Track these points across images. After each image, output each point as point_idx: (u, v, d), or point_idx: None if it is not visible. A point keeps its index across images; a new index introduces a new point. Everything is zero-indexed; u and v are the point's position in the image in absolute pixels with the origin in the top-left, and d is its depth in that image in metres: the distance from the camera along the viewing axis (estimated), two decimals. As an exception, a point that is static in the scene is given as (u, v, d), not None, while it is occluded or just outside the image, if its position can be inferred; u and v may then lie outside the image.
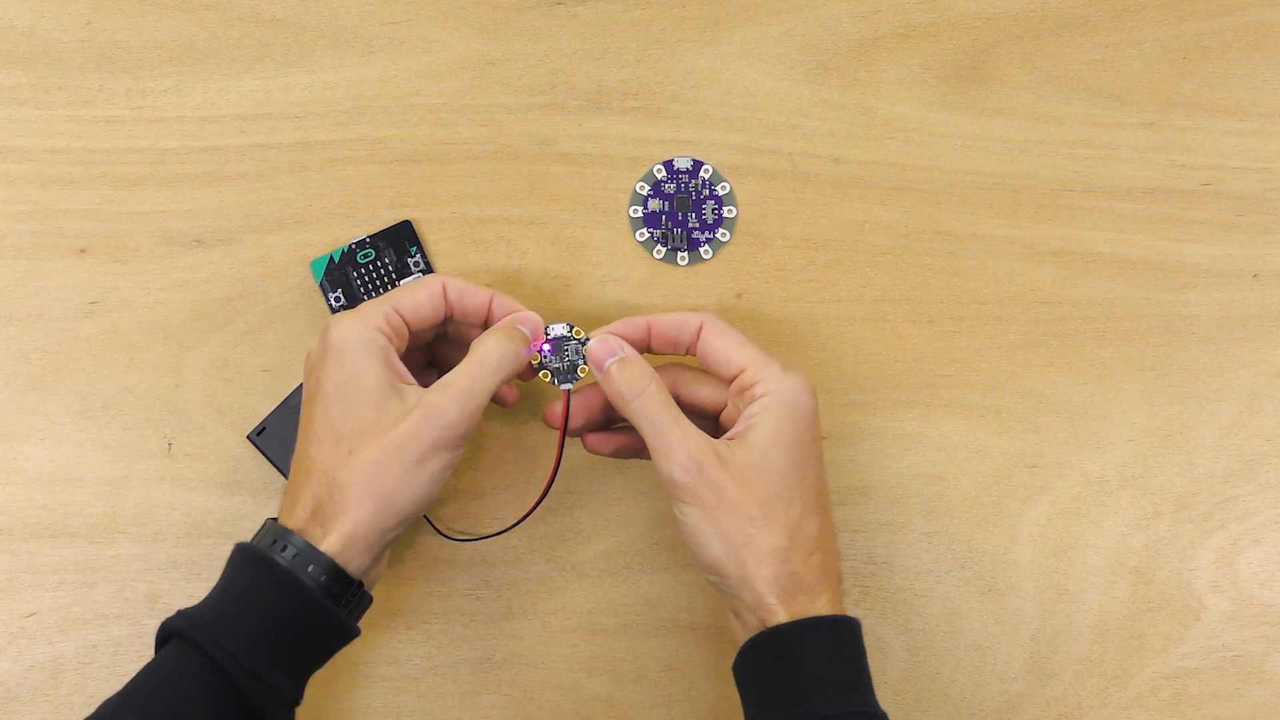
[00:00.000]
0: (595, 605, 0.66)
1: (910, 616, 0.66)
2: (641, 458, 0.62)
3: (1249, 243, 0.69)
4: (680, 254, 0.69)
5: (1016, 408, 0.68)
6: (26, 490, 0.66)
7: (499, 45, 0.70)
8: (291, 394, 0.66)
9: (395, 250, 0.68)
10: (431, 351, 0.64)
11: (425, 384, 0.58)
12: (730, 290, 0.68)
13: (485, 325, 0.61)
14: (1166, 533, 0.67)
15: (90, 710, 0.54)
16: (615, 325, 0.61)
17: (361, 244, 0.68)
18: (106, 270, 0.67)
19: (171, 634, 0.55)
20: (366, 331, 0.57)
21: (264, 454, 0.65)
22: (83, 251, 0.68)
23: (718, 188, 0.69)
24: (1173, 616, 0.66)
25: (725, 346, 0.59)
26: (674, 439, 0.56)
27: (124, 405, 0.66)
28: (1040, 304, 0.69)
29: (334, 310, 0.67)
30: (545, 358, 0.61)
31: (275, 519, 0.57)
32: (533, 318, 0.60)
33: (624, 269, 0.69)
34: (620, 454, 0.63)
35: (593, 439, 0.63)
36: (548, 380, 0.61)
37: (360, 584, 0.56)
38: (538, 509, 0.62)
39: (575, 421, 0.61)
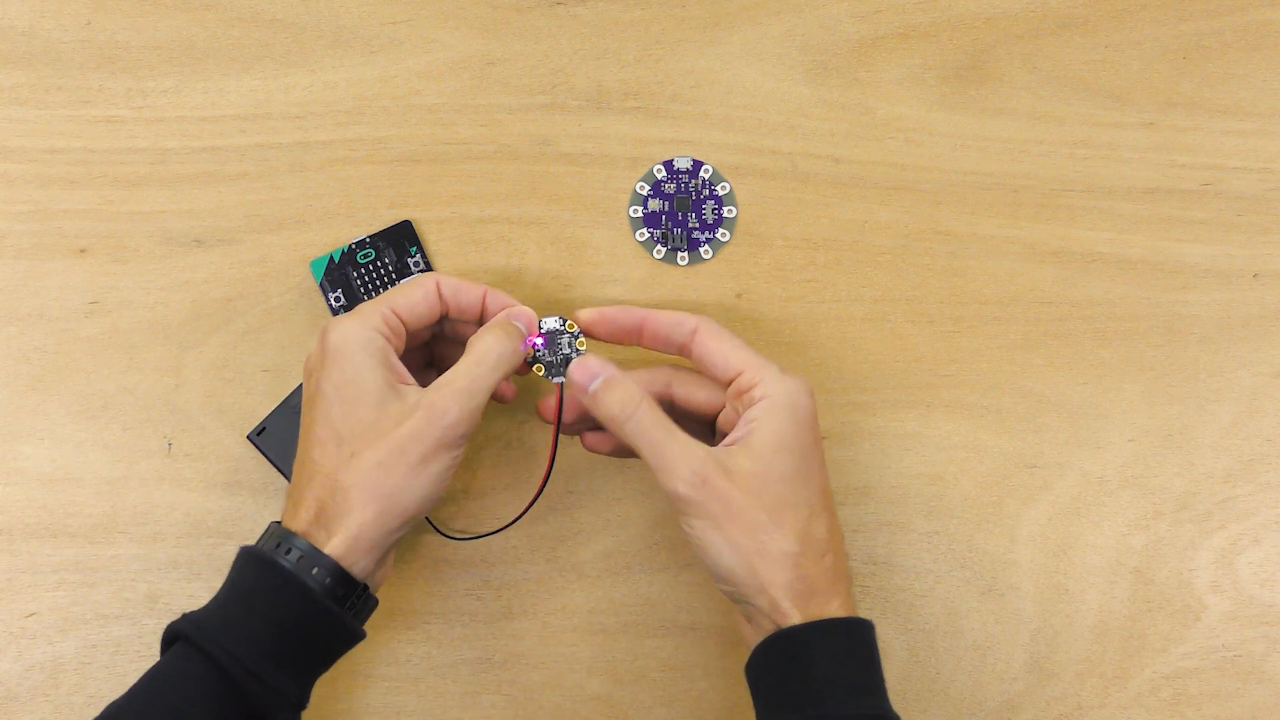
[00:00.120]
0: (595, 605, 0.66)
1: (910, 616, 0.66)
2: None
3: (1249, 243, 0.69)
4: (680, 254, 0.69)
5: (1016, 408, 0.68)
6: (26, 490, 0.66)
7: (499, 45, 0.70)
8: (291, 394, 0.66)
9: (395, 250, 0.68)
10: (429, 351, 0.64)
11: (424, 383, 0.58)
12: (730, 290, 0.68)
13: (481, 321, 0.61)
14: (1166, 533, 0.67)
15: (91, 711, 0.54)
16: (610, 310, 0.61)
17: (361, 244, 0.68)
18: (106, 270, 0.67)
19: (176, 637, 0.55)
20: (365, 333, 0.57)
21: (264, 454, 0.65)
22: (83, 251, 0.68)
23: (718, 188, 0.69)
24: (1173, 616, 0.66)
25: (722, 349, 0.59)
26: (674, 455, 0.56)
27: (124, 405, 0.66)
28: (1040, 304, 0.69)
29: (334, 310, 0.67)
30: (539, 351, 0.61)
31: (279, 522, 0.57)
32: (526, 312, 0.60)
33: (624, 269, 0.69)
34: (619, 453, 0.63)
35: (591, 438, 0.63)
36: (541, 374, 0.61)
37: (365, 586, 0.56)
38: (535, 506, 0.62)
39: (570, 415, 0.61)
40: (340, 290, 0.67)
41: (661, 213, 0.69)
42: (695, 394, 0.61)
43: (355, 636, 0.57)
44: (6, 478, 0.66)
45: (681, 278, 0.69)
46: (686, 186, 0.69)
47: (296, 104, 0.69)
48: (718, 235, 0.69)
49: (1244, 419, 0.68)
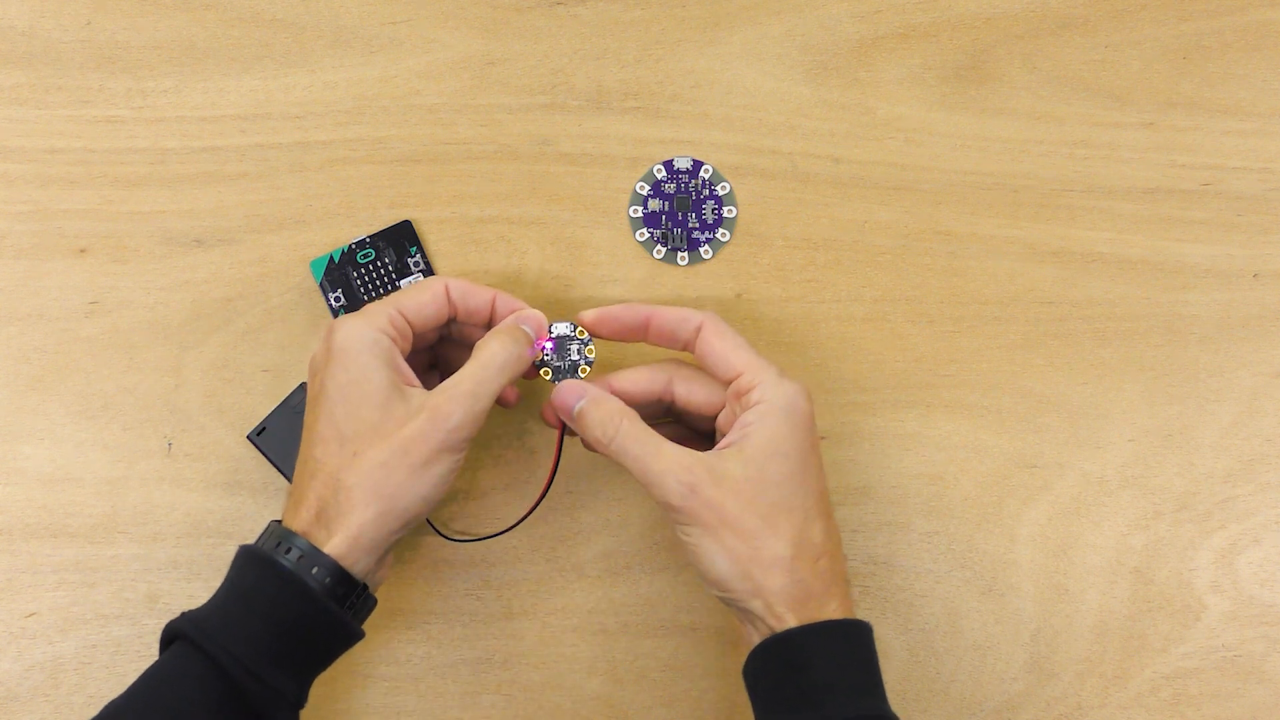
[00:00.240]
0: (595, 605, 0.66)
1: (910, 616, 0.66)
2: None
3: (1249, 243, 0.69)
4: (680, 254, 0.69)
5: (1016, 408, 0.68)
6: (26, 490, 0.66)
7: (499, 45, 0.70)
8: (291, 394, 0.66)
9: (395, 250, 0.68)
10: (434, 353, 0.64)
11: (428, 386, 0.58)
12: (730, 290, 0.68)
13: (489, 325, 0.61)
14: (1166, 533, 0.67)
15: (91, 711, 0.54)
16: (614, 309, 0.61)
17: (361, 244, 0.68)
18: (106, 270, 0.67)
19: (175, 636, 0.55)
20: (371, 333, 0.57)
21: (264, 454, 0.65)
22: (83, 251, 0.68)
23: (718, 188, 0.69)
24: (1173, 616, 0.66)
25: (724, 348, 0.59)
26: (662, 468, 0.56)
27: (124, 405, 0.66)
28: (1040, 304, 0.69)
29: (334, 310, 0.67)
30: (547, 355, 0.61)
31: (279, 521, 0.57)
32: (535, 316, 0.60)
33: (624, 269, 0.69)
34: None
35: None
36: (548, 378, 0.61)
37: (364, 586, 0.56)
38: (538, 509, 0.62)
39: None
40: (340, 290, 0.67)
41: (661, 213, 0.69)
42: (696, 393, 0.61)
43: (354, 636, 0.57)
44: (6, 478, 0.66)
45: (681, 278, 0.69)
46: (686, 186, 0.69)
47: (296, 104, 0.69)
48: (718, 235, 0.69)
49: (1244, 419, 0.68)
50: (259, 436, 0.66)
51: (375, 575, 0.57)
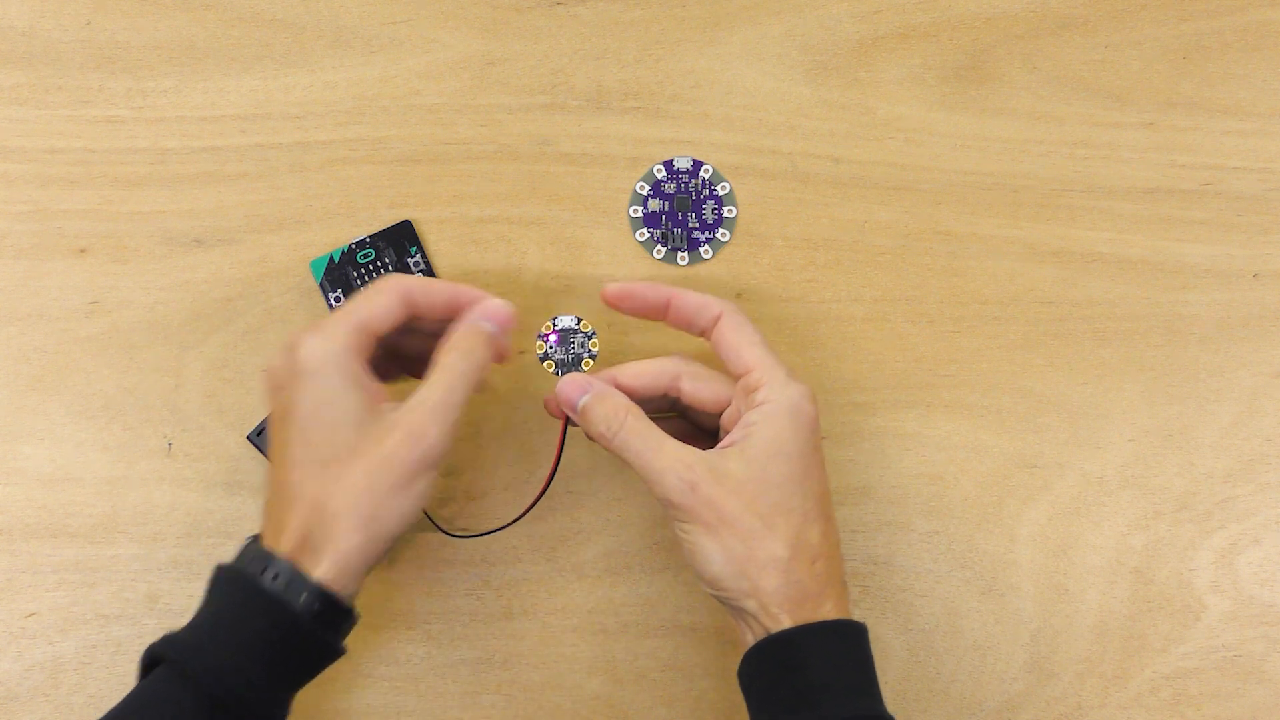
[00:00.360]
0: (595, 605, 0.66)
1: (910, 616, 0.66)
2: None
3: (1249, 243, 0.69)
4: (680, 254, 0.69)
5: (1016, 408, 0.68)
6: (26, 490, 0.66)
7: (499, 45, 0.70)
8: (291, 394, 0.66)
9: (395, 250, 0.68)
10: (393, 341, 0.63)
11: (387, 375, 0.57)
12: (730, 290, 0.68)
13: (452, 318, 0.59)
14: (1166, 533, 0.67)
15: (91, 711, 0.55)
16: (639, 285, 0.60)
17: (361, 244, 0.68)
18: (106, 270, 0.67)
19: (157, 660, 0.54)
20: (336, 352, 0.56)
21: (264, 454, 0.65)
22: (83, 251, 0.68)
23: (718, 188, 0.69)
24: (1173, 616, 0.66)
25: (738, 342, 0.59)
26: (662, 464, 0.56)
27: (124, 405, 0.66)
28: (1040, 304, 0.69)
29: (334, 311, 0.67)
30: (550, 348, 0.61)
31: (256, 538, 0.56)
32: (494, 307, 0.59)
33: (624, 269, 0.69)
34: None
35: None
36: (551, 371, 0.61)
37: (351, 610, 0.56)
38: (538, 505, 0.62)
39: None
40: (340, 290, 0.67)
41: (661, 213, 0.69)
42: (702, 390, 0.60)
43: (338, 655, 0.56)
44: (6, 478, 0.66)
45: (681, 278, 0.69)
46: (686, 186, 0.69)
47: (296, 104, 0.69)
48: (718, 235, 0.69)
49: (1244, 419, 0.68)
50: (259, 436, 0.66)
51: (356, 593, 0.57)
